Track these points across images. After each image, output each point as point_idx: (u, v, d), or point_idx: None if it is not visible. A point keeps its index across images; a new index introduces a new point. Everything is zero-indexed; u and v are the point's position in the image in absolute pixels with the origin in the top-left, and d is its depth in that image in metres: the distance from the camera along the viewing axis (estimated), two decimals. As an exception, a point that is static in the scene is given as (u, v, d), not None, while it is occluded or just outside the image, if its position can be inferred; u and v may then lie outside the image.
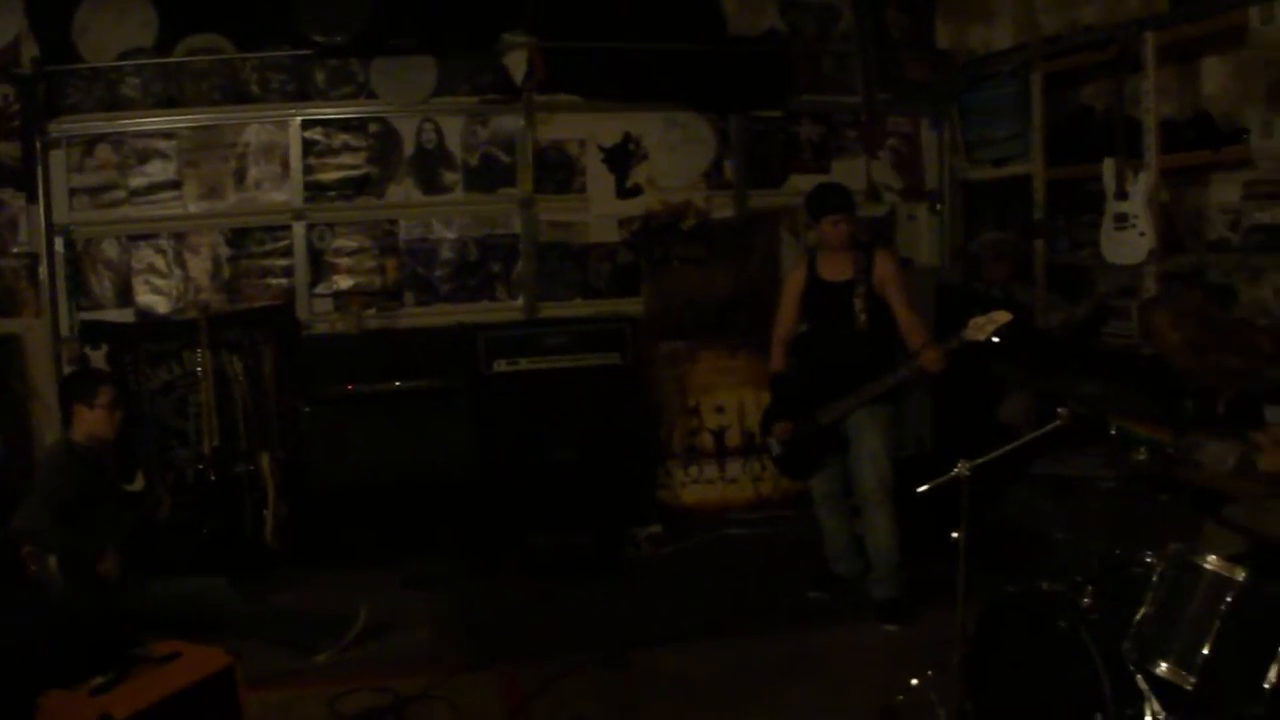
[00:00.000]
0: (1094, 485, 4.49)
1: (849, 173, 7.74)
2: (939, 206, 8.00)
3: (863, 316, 5.60)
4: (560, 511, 6.70)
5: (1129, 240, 6.24)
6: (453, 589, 6.21)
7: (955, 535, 4.24)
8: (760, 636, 5.49)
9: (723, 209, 7.65)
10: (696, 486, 7.34)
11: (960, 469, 4.21)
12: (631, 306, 7.48)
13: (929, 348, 5.33)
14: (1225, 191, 6.50)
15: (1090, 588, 3.89)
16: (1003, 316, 5.11)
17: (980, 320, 5.12)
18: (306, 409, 6.67)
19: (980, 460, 4.24)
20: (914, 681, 4.48)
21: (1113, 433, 5.04)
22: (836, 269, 5.71)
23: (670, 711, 4.82)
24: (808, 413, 5.66)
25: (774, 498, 7.37)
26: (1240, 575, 3.39)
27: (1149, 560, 3.81)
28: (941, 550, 4.72)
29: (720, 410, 7.36)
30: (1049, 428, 4.37)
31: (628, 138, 7.51)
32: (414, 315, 7.31)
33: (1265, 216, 6.18)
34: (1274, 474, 4.39)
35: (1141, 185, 6.18)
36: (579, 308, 7.46)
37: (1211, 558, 3.48)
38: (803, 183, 7.60)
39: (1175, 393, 6.09)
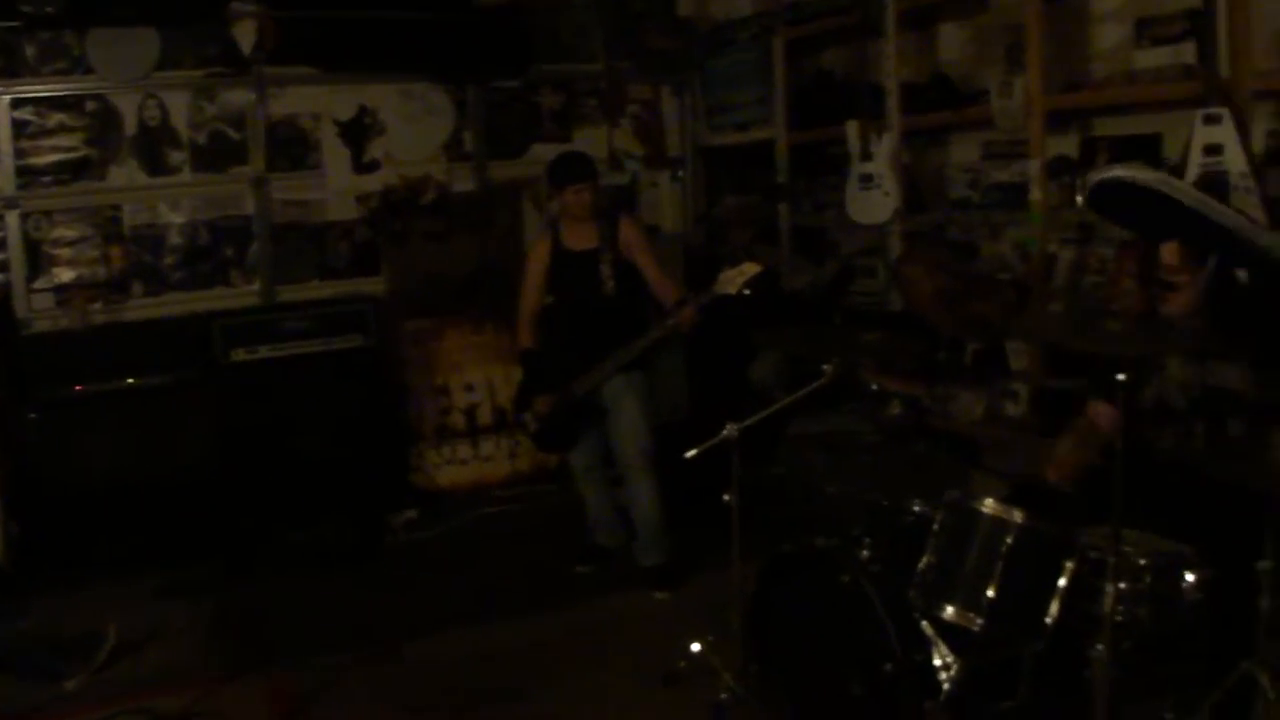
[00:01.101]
0: (856, 440, 4.47)
1: (591, 141, 7.62)
2: (681, 173, 7.96)
3: (610, 283, 5.50)
4: (313, 503, 6.39)
5: (874, 200, 6.30)
6: (208, 594, 5.81)
7: (727, 498, 4.17)
8: (531, 616, 5.35)
9: (463, 182, 7.42)
10: (451, 467, 7.09)
11: (729, 431, 4.14)
12: (373, 286, 7.18)
13: (682, 304, 5.26)
14: (965, 151, 6.65)
15: (867, 540, 3.88)
16: (752, 268, 5.10)
17: (730, 273, 5.10)
18: (31, 414, 6.12)
19: (749, 421, 4.18)
20: (695, 647, 4.39)
21: (873, 388, 5.09)
22: (581, 238, 5.59)
23: (449, 703, 4.60)
24: (562, 385, 5.52)
25: (531, 473, 7.20)
26: (1018, 517, 3.41)
27: (919, 509, 3.82)
28: (706, 513, 4.74)
29: (470, 388, 7.15)
30: (818, 384, 4.34)
31: (363, 111, 7.20)
32: (143, 306, 6.80)
33: (1004, 175, 6.35)
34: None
35: (885, 147, 6.25)
36: (318, 289, 7.11)
37: (989, 502, 3.49)
38: (544, 152, 7.43)
39: (926, 346, 6.21)
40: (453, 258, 7.26)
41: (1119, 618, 3.33)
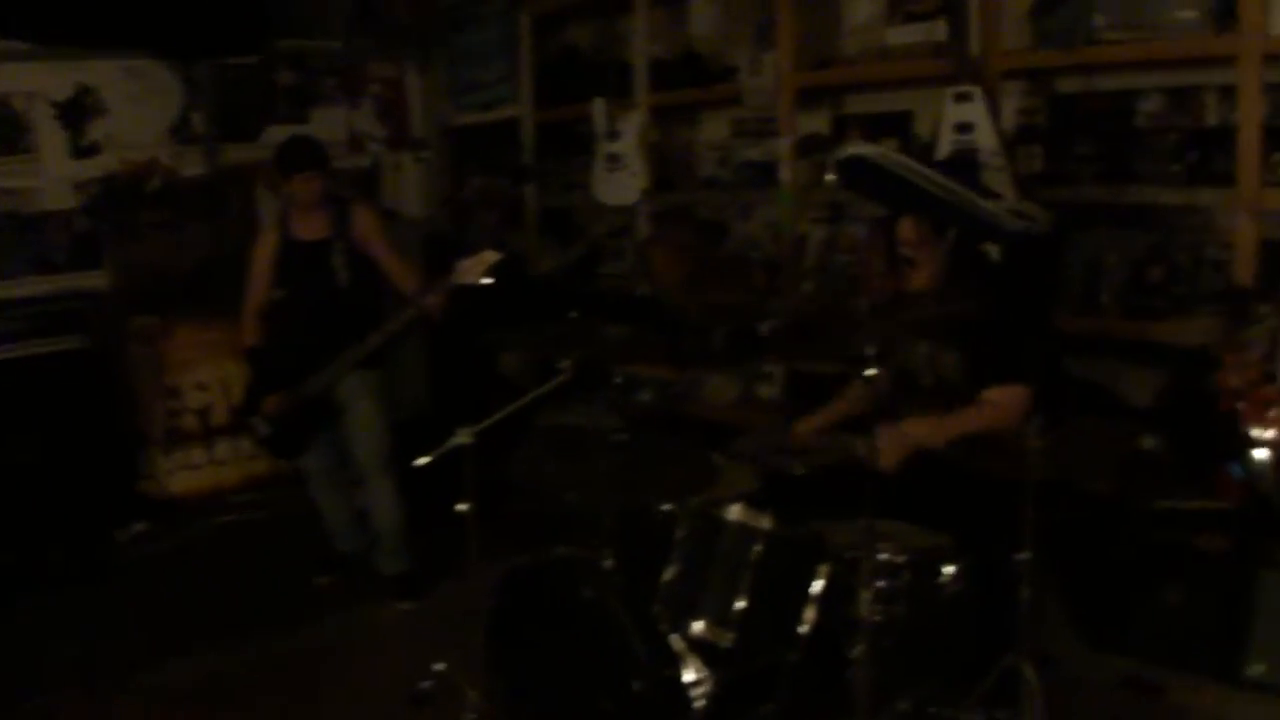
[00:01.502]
0: (602, 437, 4.24)
1: (329, 123, 7.24)
2: (425, 154, 7.61)
3: (343, 274, 5.13)
4: (30, 522, 5.81)
5: (621, 181, 6.10)
6: None
7: (461, 507, 3.91)
8: (272, 634, 4.95)
9: (192, 166, 6.92)
10: (184, 473, 6.58)
11: (461, 436, 3.87)
12: (95, 281, 6.62)
13: (424, 293, 4.96)
14: (715, 129, 6.54)
15: (610, 550, 3.65)
16: (491, 256, 4.84)
17: (468, 262, 4.84)
18: None
19: (483, 425, 3.91)
20: (438, 666, 4.11)
21: (617, 381, 4.90)
22: (312, 227, 5.20)
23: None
24: (293, 385, 5.13)
25: (268, 476, 6.71)
26: (766, 524, 3.24)
27: (667, 514, 3.60)
28: (450, 515, 4.37)
29: (202, 387, 6.65)
30: (552, 384, 4.10)
31: (82, 90, 6.62)
32: None
33: (754, 153, 6.23)
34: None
35: (632, 125, 6.07)
36: (35, 286, 6.47)
37: (735, 509, 3.31)
38: (280, 135, 6.96)
39: (675, 330, 6.05)
40: (182, 249, 6.78)
41: (878, 617, 3.21)
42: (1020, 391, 3.71)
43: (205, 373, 6.65)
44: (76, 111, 6.62)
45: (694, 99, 6.21)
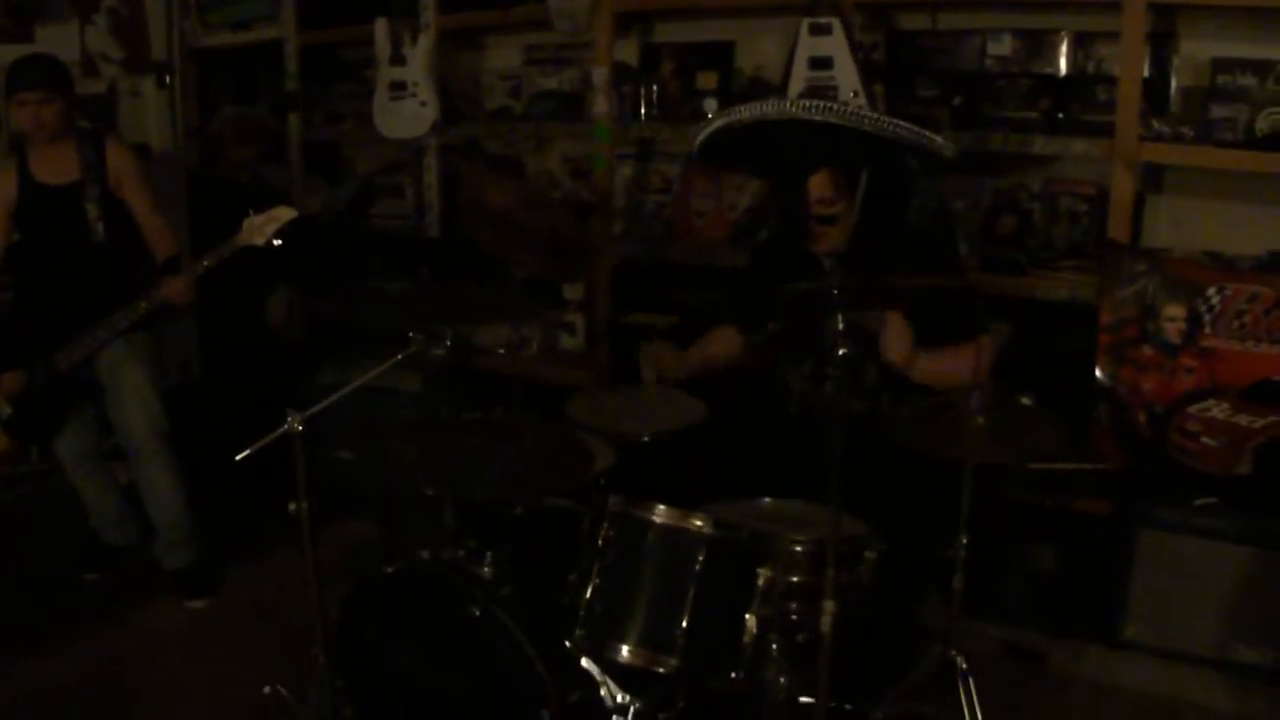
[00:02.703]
0: (447, 414, 3.72)
1: (58, 41, 6.24)
2: (169, 79, 6.74)
3: (99, 226, 4.37)
4: None
5: (408, 111, 5.52)
6: None
7: (293, 508, 3.31)
8: (39, 650, 4.22)
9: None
10: None
11: (291, 423, 3.26)
12: None
13: (174, 272, 4.31)
14: (504, 56, 6.03)
15: (489, 554, 3.14)
16: (285, 213, 4.23)
17: (258, 220, 4.21)
18: None
19: (313, 410, 3.31)
20: (268, 689, 3.51)
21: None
22: (57, 168, 4.40)
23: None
24: (41, 357, 4.36)
25: (7, 449, 5.85)
26: (704, 526, 2.79)
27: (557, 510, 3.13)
28: (223, 487, 4.09)
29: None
30: (405, 354, 3.52)
31: None
32: None
33: (551, 82, 5.72)
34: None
35: (421, 50, 5.48)
36: None
37: (661, 509, 2.84)
38: (2, 54, 6.11)
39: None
40: None
41: (794, 616, 2.87)
42: (987, 342, 3.41)
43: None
44: None
45: (490, 21, 5.63)
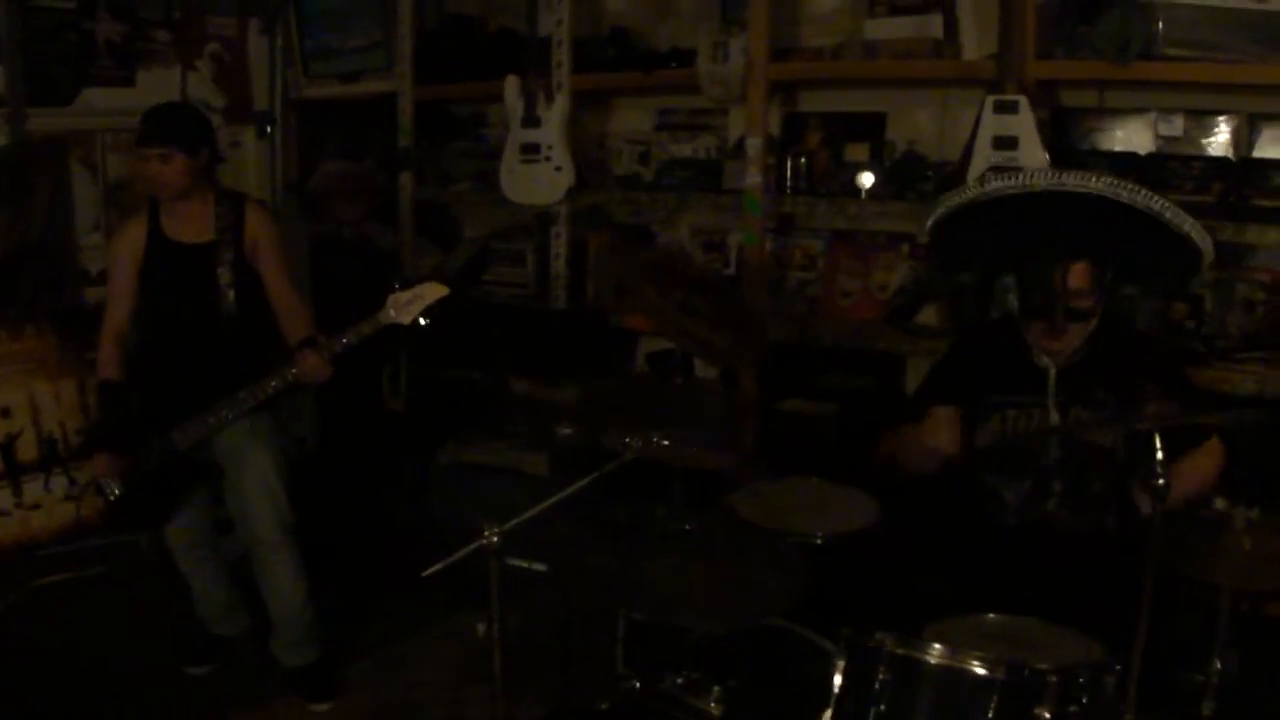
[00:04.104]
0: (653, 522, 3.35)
1: (160, 87, 5.99)
2: (269, 130, 6.45)
3: (230, 293, 4.03)
4: None
5: (541, 175, 5.23)
6: None
7: (482, 629, 2.96)
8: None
9: (-9, 135, 5.59)
10: None
11: (488, 536, 2.92)
12: None
13: (312, 348, 3.91)
14: (632, 120, 5.70)
15: (718, 688, 2.78)
16: (434, 291, 3.88)
17: (403, 296, 3.85)
18: None
19: (511, 524, 2.96)
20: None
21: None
22: (191, 226, 4.06)
23: None
24: (158, 434, 4.01)
25: (91, 518, 5.41)
26: (999, 673, 2.44)
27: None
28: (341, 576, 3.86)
29: (5, 413, 5.36)
30: (611, 467, 3.14)
31: None
32: None
33: (684, 150, 5.43)
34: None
35: (557, 112, 5.16)
36: None
37: (938, 649, 2.49)
38: (99, 99, 5.81)
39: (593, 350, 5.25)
40: (-23, 238, 5.46)
41: None
42: (1217, 443, 3.21)
43: (8, 394, 5.37)
44: None
45: (628, 84, 5.32)
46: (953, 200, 3.45)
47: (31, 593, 5.04)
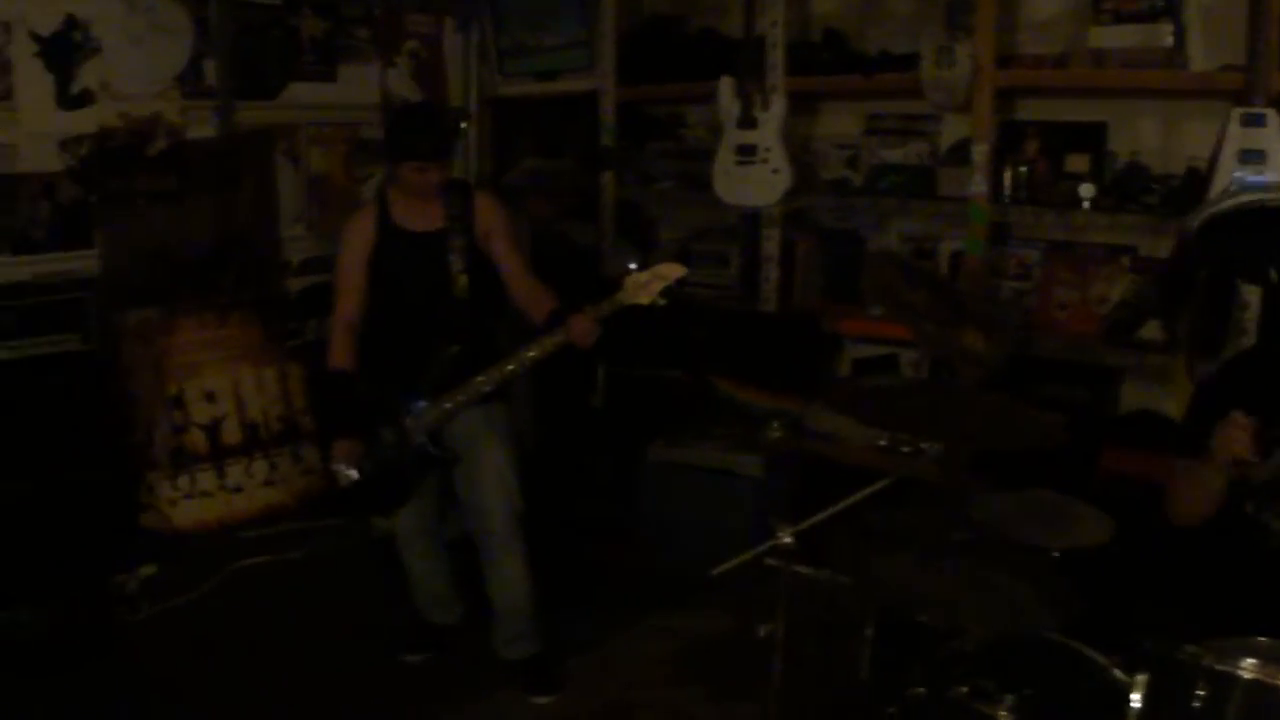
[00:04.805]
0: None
1: (360, 82, 6.09)
2: (464, 126, 6.48)
3: (462, 279, 4.03)
4: (13, 572, 4.59)
5: (757, 177, 5.18)
6: None
7: (764, 631, 2.93)
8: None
9: (201, 127, 5.64)
10: (191, 503, 5.34)
11: (781, 535, 2.88)
12: (82, 263, 5.31)
13: (580, 314, 3.84)
14: (840, 123, 5.64)
15: (1011, 698, 2.71)
16: (672, 270, 3.83)
17: (642, 277, 3.81)
18: None
19: (804, 525, 2.92)
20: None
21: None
22: (421, 215, 4.07)
23: None
24: (390, 421, 4.03)
25: (294, 505, 5.56)
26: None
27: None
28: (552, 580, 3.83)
29: (211, 398, 5.43)
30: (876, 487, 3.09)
31: (72, 22, 5.28)
32: None
33: (895, 155, 5.36)
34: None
35: (775, 114, 5.12)
36: (7, 268, 5.13)
37: (1251, 663, 2.38)
38: (304, 93, 5.91)
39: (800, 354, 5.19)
40: (187, 226, 5.51)
41: None
42: None
43: (214, 380, 5.47)
44: (64, 50, 5.32)
45: (845, 87, 5.27)
46: (1231, 202, 3.36)
47: (239, 572, 5.10)
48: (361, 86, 6.08)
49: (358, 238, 4.14)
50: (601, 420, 5.64)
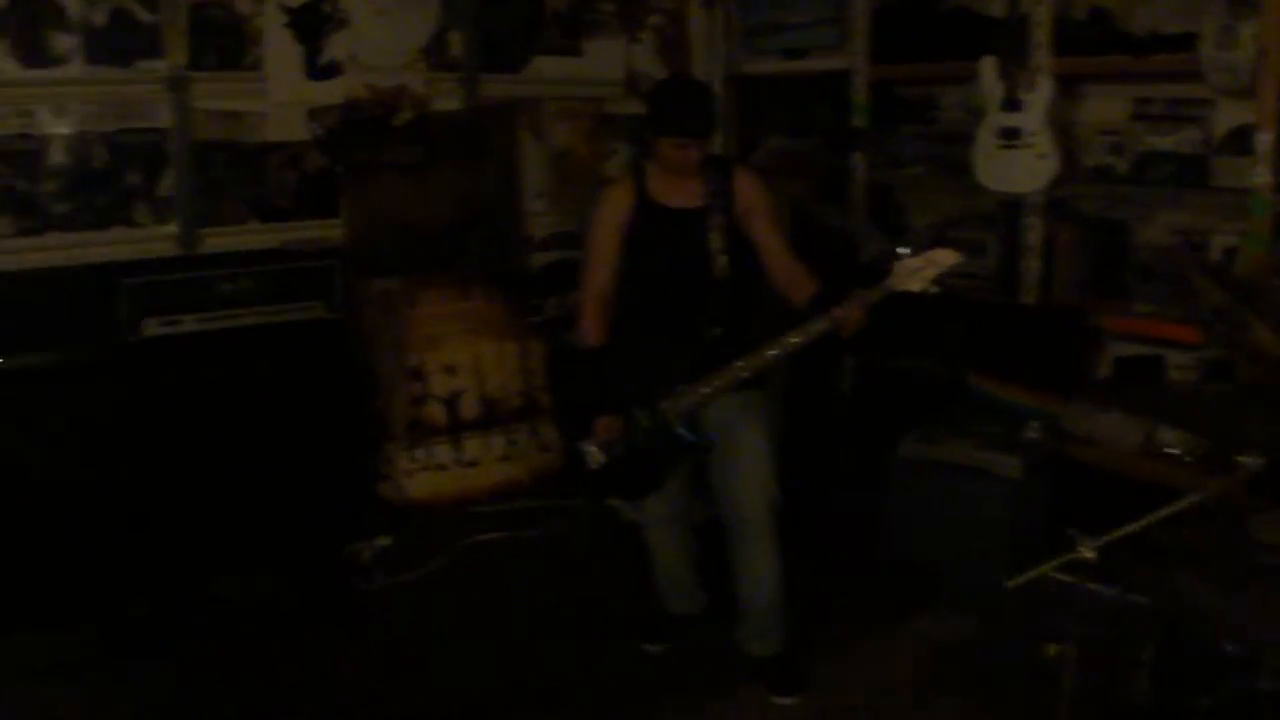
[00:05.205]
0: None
1: (605, 56, 6.03)
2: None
3: (722, 259, 3.89)
4: (254, 537, 4.70)
5: (1023, 162, 4.91)
6: (97, 677, 4.03)
7: (1053, 650, 2.73)
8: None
9: (447, 99, 5.65)
10: (427, 475, 5.35)
11: (1082, 549, 2.68)
12: (328, 231, 5.37)
13: (847, 300, 3.64)
14: (1104, 109, 5.32)
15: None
16: (946, 257, 3.60)
17: (914, 263, 3.59)
18: None
19: (1107, 538, 2.70)
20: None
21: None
22: (679, 191, 3.95)
23: None
24: (644, 403, 3.90)
25: (530, 481, 5.54)
26: None
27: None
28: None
29: (451, 370, 5.44)
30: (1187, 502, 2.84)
31: (322, -8, 5.36)
32: (14, 252, 4.81)
33: (1166, 143, 5.02)
34: None
35: (1041, 95, 4.86)
36: (256, 236, 5.24)
37: None
38: (548, 67, 5.87)
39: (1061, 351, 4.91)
40: (431, 198, 5.52)
41: None
42: None
43: (455, 353, 5.46)
44: (314, 21, 5.36)
45: (1115, 68, 4.97)
46: None
47: (474, 547, 5.09)
48: (606, 61, 6.01)
49: (612, 211, 4.03)
50: (849, 410, 5.45)
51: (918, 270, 3.59)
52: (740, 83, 6.36)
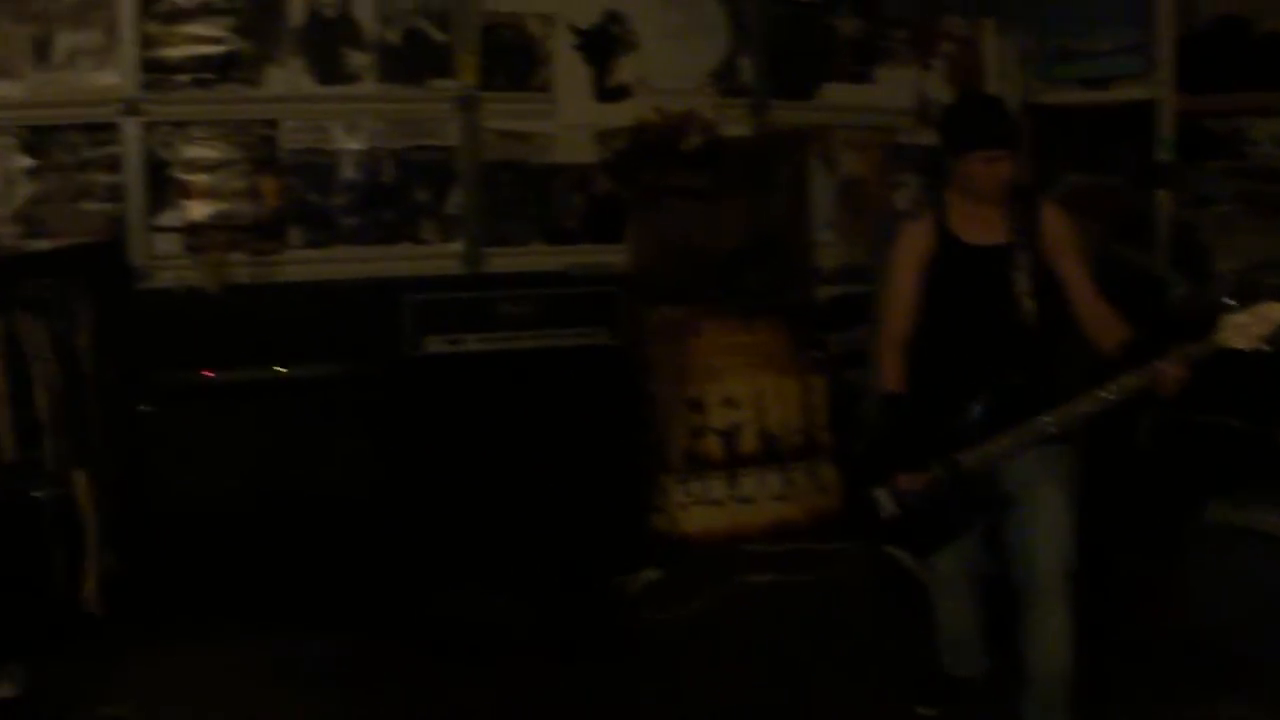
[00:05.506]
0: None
1: (896, 84, 5.91)
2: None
3: (1029, 302, 3.69)
4: (524, 559, 4.74)
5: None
6: (354, 685, 4.10)
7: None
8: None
9: (736, 124, 5.61)
10: (701, 509, 5.19)
11: None
12: (612, 256, 5.37)
13: (1173, 355, 3.39)
14: None
15: None
16: (1278, 312, 3.29)
17: (1241, 318, 3.31)
18: (144, 406, 4.45)
19: None
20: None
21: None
22: (982, 227, 3.76)
23: None
24: (941, 454, 3.71)
25: (806, 522, 5.32)
26: None
27: None
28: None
29: (731, 403, 5.28)
30: None
31: (611, 17, 5.39)
32: (303, 263, 5.01)
33: None
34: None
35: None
36: (540, 257, 5.31)
37: None
38: (839, 94, 5.75)
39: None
40: (718, 226, 5.41)
41: None
42: None
43: (736, 386, 5.31)
44: (603, 43, 5.38)
45: None
46: None
47: (743, 587, 4.90)
48: (896, 89, 5.88)
49: (913, 250, 3.88)
50: (1147, 467, 5.14)
51: (1246, 326, 3.32)
52: (1036, 113, 6.11)
